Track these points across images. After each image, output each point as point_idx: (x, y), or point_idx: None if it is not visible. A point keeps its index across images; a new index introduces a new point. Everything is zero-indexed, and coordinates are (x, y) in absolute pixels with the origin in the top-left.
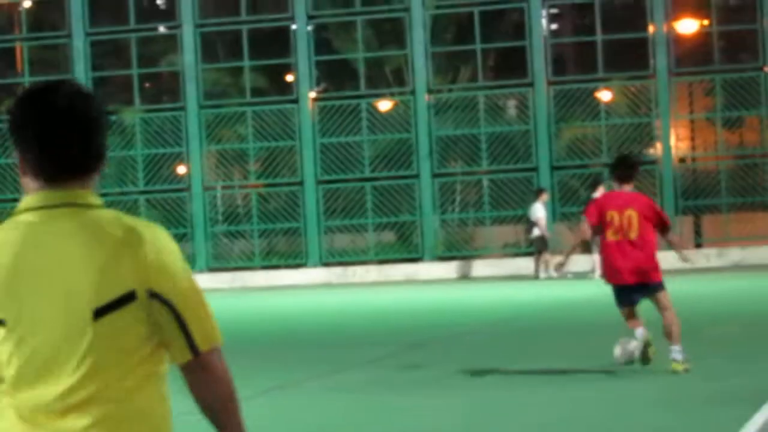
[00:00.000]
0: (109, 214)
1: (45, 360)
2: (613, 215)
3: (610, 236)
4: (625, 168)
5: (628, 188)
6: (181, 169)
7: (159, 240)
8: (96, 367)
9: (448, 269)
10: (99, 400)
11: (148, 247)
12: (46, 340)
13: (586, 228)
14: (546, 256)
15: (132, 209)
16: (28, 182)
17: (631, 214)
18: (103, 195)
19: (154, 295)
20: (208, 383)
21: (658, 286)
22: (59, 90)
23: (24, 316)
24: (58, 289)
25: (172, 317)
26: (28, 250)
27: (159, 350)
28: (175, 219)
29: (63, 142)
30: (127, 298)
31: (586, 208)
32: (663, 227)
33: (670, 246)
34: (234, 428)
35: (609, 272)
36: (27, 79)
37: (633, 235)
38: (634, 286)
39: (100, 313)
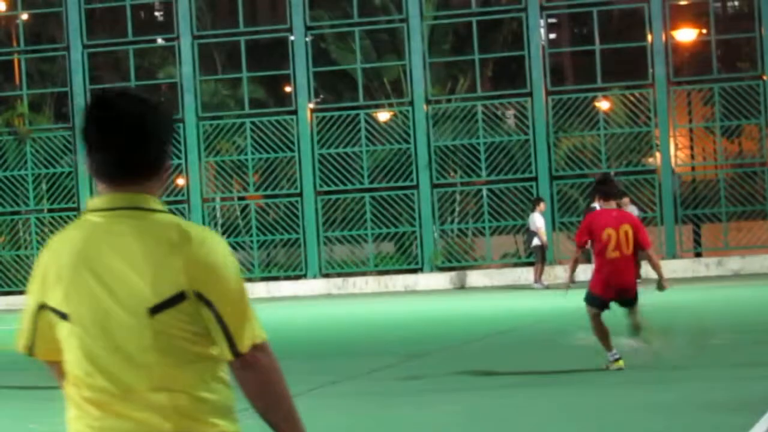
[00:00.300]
0: (168, 218)
1: (107, 354)
2: (610, 233)
3: (611, 253)
4: (611, 185)
5: (613, 205)
6: (180, 181)
7: (208, 244)
8: (155, 361)
9: (447, 280)
10: (160, 392)
11: (196, 250)
12: (108, 336)
13: (576, 254)
14: (542, 266)
15: None
16: (97, 184)
17: (627, 229)
18: None
19: (199, 296)
20: (253, 380)
21: (636, 299)
22: (121, 97)
23: (87, 312)
24: (118, 288)
25: (214, 318)
26: (91, 250)
27: (214, 345)
28: None
29: (120, 146)
30: (179, 298)
31: (580, 226)
32: (644, 245)
33: (652, 266)
34: (288, 425)
35: (606, 288)
36: (25, 92)
37: (630, 250)
38: (622, 300)
39: (155, 310)
